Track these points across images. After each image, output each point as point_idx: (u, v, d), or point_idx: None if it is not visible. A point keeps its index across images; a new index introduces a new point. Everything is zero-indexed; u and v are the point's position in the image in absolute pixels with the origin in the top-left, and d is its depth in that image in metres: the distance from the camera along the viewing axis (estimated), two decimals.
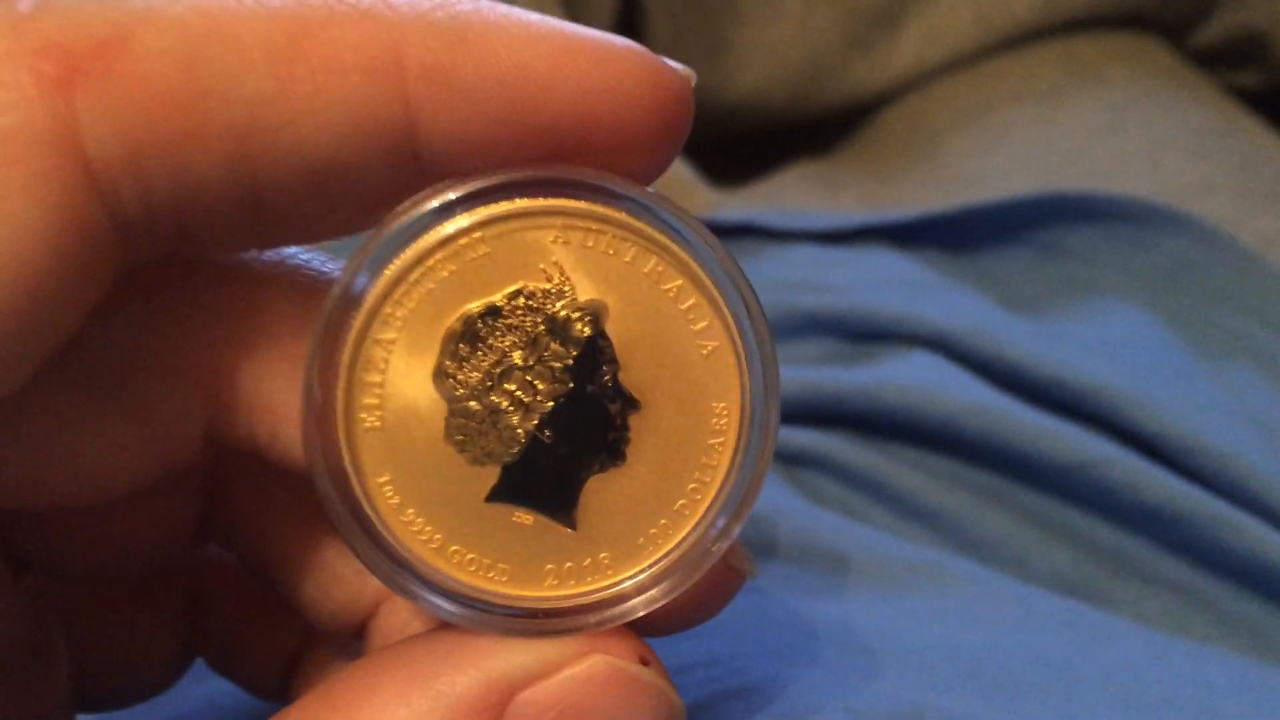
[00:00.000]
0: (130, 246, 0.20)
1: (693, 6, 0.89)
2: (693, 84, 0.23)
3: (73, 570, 0.27)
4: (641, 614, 0.23)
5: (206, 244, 0.22)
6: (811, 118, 0.92)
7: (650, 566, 0.23)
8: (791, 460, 0.52)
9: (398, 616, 0.26)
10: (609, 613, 0.23)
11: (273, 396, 0.24)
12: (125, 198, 0.19)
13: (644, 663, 0.23)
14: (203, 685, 0.35)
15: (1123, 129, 0.77)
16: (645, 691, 0.23)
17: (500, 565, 0.23)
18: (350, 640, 0.28)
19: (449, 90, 0.20)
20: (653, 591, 0.23)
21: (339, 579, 0.27)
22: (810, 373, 0.54)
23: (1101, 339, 0.58)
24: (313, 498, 0.25)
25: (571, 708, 0.22)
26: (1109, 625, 0.41)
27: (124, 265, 0.21)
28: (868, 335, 0.59)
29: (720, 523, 0.23)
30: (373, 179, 0.21)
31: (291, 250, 0.25)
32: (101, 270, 0.20)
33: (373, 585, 0.26)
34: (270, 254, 0.24)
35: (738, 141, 0.92)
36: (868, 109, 0.91)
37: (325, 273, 0.24)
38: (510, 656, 0.22)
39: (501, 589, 0.23)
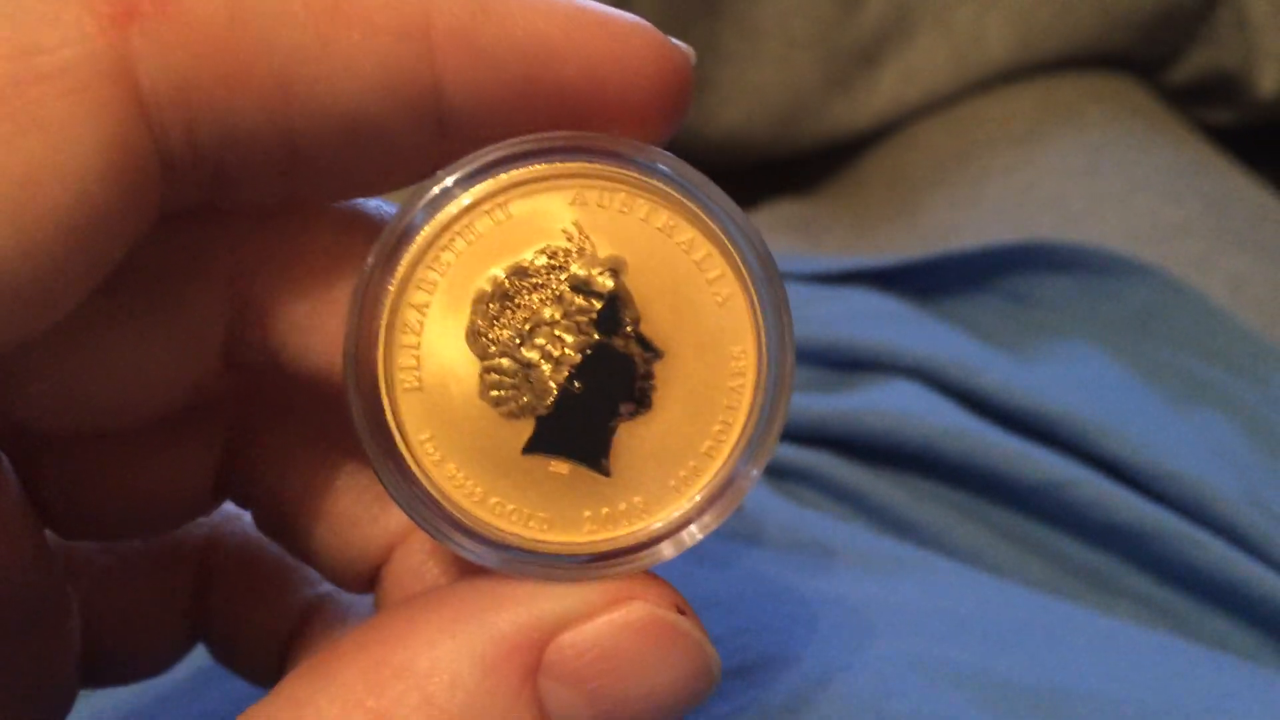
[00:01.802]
0: (173, 184, 0.22)
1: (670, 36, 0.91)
2: (693, 61, 0.24)
3: (96, 525, 0.28)
4: (679, 553, 0.24)
5: (241, 190, 0.23)
6: (792, 155, 0.95)
7: (682, 506, 0.24)
8: (776, 473, 0.53)
9: (411, 561, 0.27)
10: (645, 554, 0.24)
11: (289, 303, 0.25)
12: (172, 133, 0.21)
13: (680, 612, 0.24)
14: (231, 682, 0.36)
15: (1098, 171, 0.80)
16: (681, 639, 0.24)
17: (539, 514, 0.24)
18: (362, 592, 0.29)
19: (471, 54, 0.22)
20: (686, 531, 0.24)
21: (354, 523, 0.28)
22: (793, 399, 0.56)
23: (1071, 378, 0.60)
24: (328, 443, 0.27)
25: (609, 651, 0.23)
26: (1084, 613, 0.43)
27: (165, 205, 0.22)
28: (850, 365, 0.61)
29: (744, 461, 0.24)
30: (398, 137, 0.23)
31: None
32: (148, 201, 0.21)
33: (386, 530, 0.28)
34: None
35: (720, 177, 0.93)
36: (848, 147, 0.93)
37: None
38: (552, 599, 0.23)
39: (541, 536, 0.24)
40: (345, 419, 0.24)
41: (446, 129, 0.23)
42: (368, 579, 0.28)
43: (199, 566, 0.31)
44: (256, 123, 0.21)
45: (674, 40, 0.24)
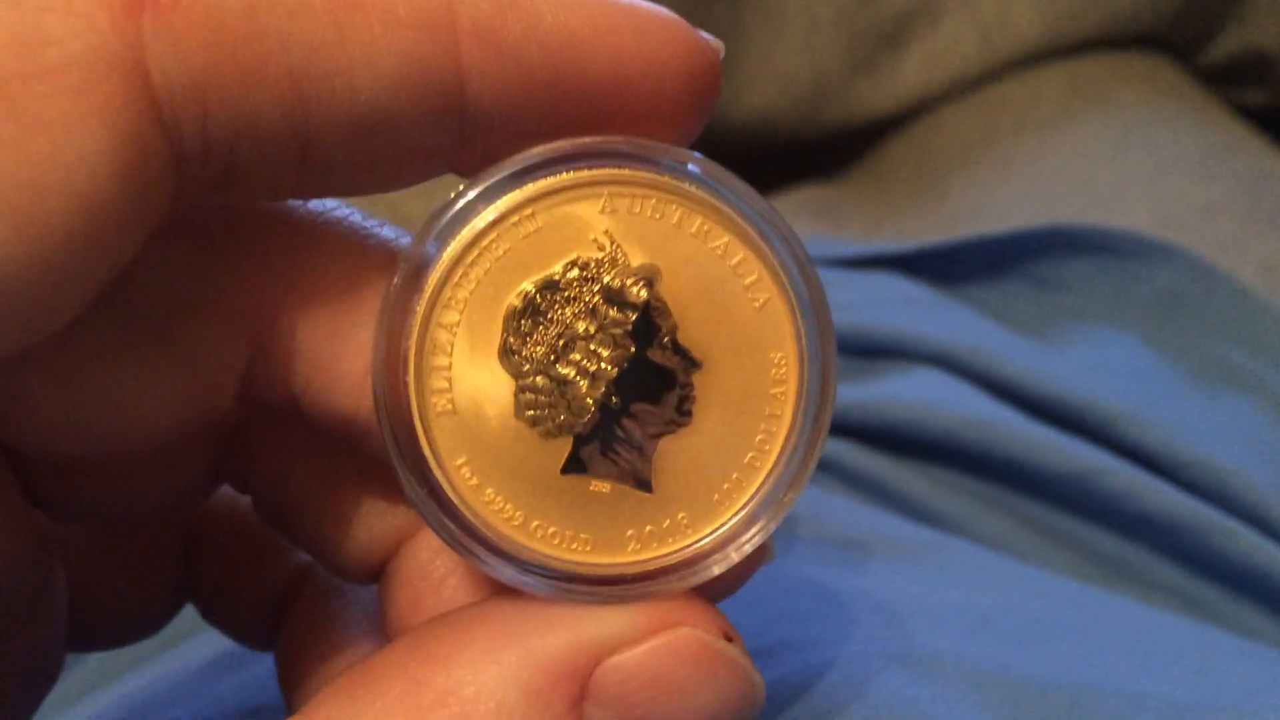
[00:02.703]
0: (185, 180, 0.21)
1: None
2: (721, 54, 0.24)
3: (88, 512, 0.27)
4: (725, 569, 0.23)
5: (252, 187, 0.22)
6: (817, 139, 0.94)
7: (728, 521, 0.23)
8: None
9: (419, 558, 0.27)
10: (692, 572, 0.23)
11: (310, 344, 0.24)
12: (185, 129, 0.20)
13: (728, 639, 0.23)
14: (244, 671, 0.36)
15: (1127, 152, 0.78)
16: (728, 666, 0.23)
17: (582, 535, 0.23)
18: (363, 583, 0.28)
19: (497, 50, 0.21)
20: (733, 545, 0.23)
21: (360, 518, 0.27)
22: None
23: (1098, 364, 0.59)
24: (339, 446, 0.26)
25: (656, 677, 0.23)
26: (1113, 600, 0.42)
27: (176, 200, 0.21)
28: (872, 352, 0.60)
29: (790, 472, 0.24)
30: (418, 135, 0.22)
31: (333, 204, 0.25)
32: (158, 200, 0.21)
33: (393, 526, 0.27)
34: (313, 206, 0.25)
35: (743, 162, 0.93)
36: (873, 130, 0.92)
37: (366, 228, 0.25)
38: (599, 623, 0.23)
39: (586, 558, 0.23)
40: (376, 445, 0.23)
41: (468, 127, 0.22)
42: (372, 573, 0.28)
43: (187, 530, 0.31)
44: (271, 118, 0.20)
45: (702, 33, 0.23)
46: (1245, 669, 0.36)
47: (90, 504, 0.27)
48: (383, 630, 0.28)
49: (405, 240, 0.25)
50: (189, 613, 0.33)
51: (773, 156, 0.94)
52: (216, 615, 0.32)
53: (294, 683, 0.30)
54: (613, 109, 0.22)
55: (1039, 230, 0.67)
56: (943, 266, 0.68)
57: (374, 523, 0.27)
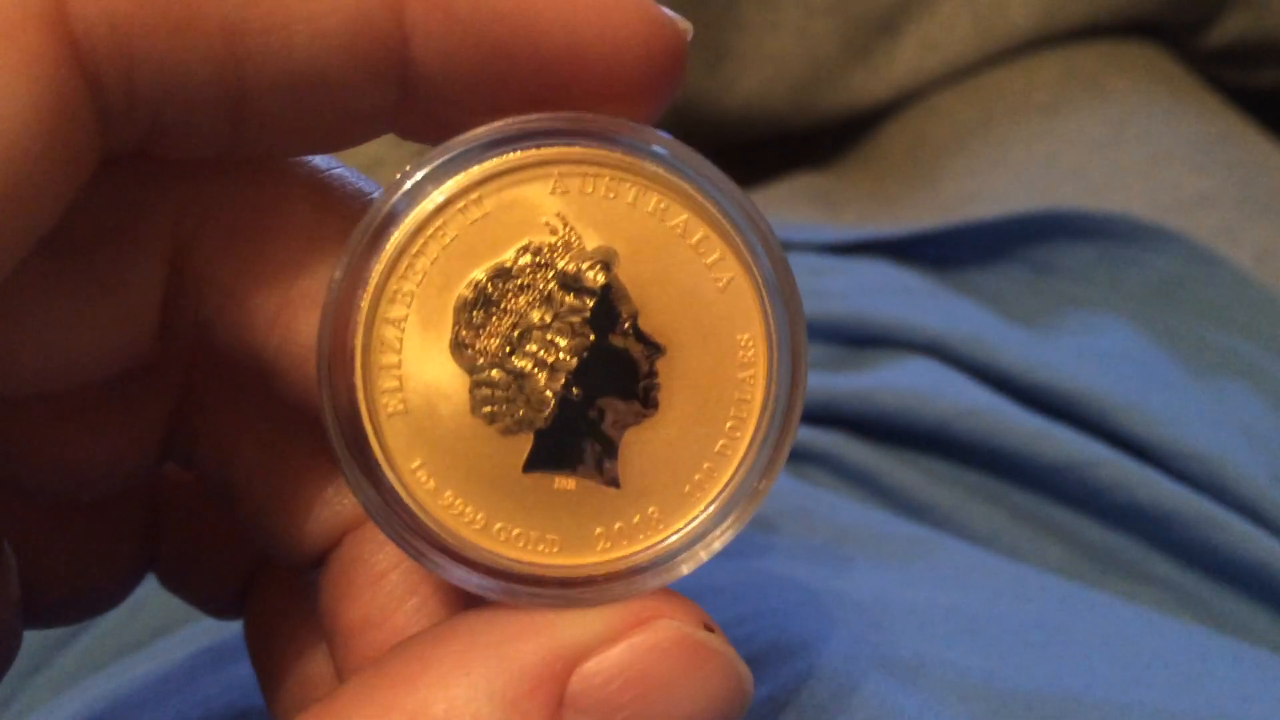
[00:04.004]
0: (109, 135, 0.20)
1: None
2: (688, 38, 0.22)
3: (37, 488, 0.26)
4: (701, 563, 0.22)
5: (181, 143, 0.21)
6: (811, 126, 0.93)
7: (701, 513, 0.22)
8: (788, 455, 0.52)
9: (361, 550, 0.25)
10: (667, 567, 0.22)
11: (226, 272, 0.23)
12: (108, 83, 0.19)
13: (709, 629, 0.22)
14: (226, 670, 0.35)
15: (1121, 141, 0.77)
16: (712, 658, 0.22)
17: (549, 536, 0.22)
18: (304, 568, 0.27)
19: (444, 15, 0.20)
20: (708, 538, 0.22)
21: (307, 506, 0.26)
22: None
23: (1093, 351, 0.58)
24: (284, 420, 0.25)
25: (638, 676, 0.21)
26: (1102, 599, 0.41)
27: (102, 156, 0.20)
28: (863, 341, 0.59)
29: (763, 458, 0.22)
30: (357, 97, 0.21)
31: None
32: (83, 157, 0.20)
33: (339, 515, 0.26)
34: None
35: (738, 149, 0.92)
36: (867, 118, 0.91)
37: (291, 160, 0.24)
38: (572, 625, 0.21)
39: (553, 560, 0.22)
40: (326, 450, 0.22)
41: (411, 92, 0.21)
42: (314, 559, 0.26)
43: (148, 502, 0.30)
44: (202, 73, 0.20)
45: (668, 12, 0.22)
46: (1237, 675, 0.35)
47: (29, 478, 0.26)
48: (318, 619, 0.27)
49: (335, 170, 0.24)
50: (181, 602, 0.32)
51: (767, 143, 0.93)
52: (181, 588, 0.31)
53: (263, 658, 0.29)
54: (568, 84, 0.21)
55: (1035, 214, 0.66)
56: (937, 252, 0.67)
57: (319, 510, 0.26)
